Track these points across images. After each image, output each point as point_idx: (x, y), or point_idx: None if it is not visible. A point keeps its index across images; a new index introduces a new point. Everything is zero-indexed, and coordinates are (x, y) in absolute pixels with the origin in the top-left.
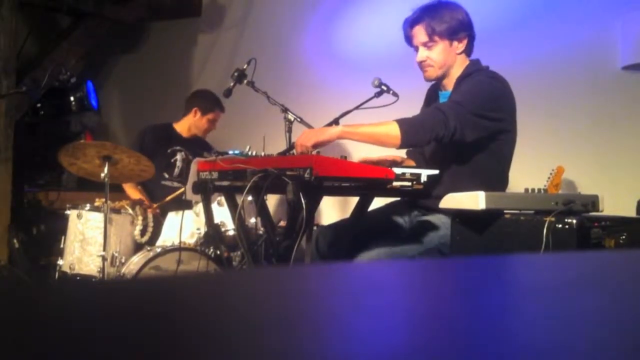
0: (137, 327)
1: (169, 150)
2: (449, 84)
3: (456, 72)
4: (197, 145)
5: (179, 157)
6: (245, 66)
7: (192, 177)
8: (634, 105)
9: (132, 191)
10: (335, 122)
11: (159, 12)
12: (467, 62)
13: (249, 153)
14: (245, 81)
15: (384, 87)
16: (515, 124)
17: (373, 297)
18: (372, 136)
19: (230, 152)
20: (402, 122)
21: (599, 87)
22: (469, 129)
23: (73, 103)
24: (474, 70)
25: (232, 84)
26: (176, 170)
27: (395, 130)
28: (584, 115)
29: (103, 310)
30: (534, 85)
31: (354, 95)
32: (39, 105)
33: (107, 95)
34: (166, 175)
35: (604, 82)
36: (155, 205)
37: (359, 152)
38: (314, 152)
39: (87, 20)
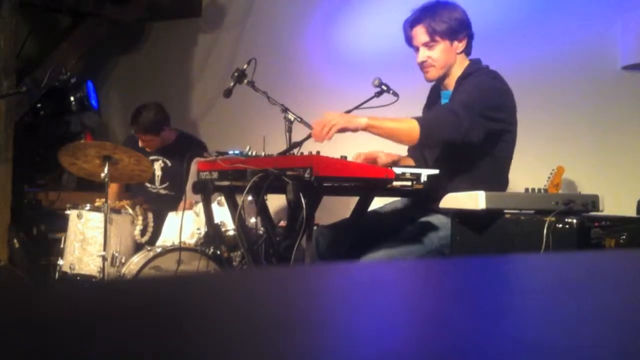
0: (137, 327)
1: None
2: (450, 83)
3: (457, 71)
4: (177, 149)
5: (156, 166)
6: (245, 66)
7: (192, 177)
8: (634, 105)
9: (115, 196)
10: None
11: (159, 12)
12: (467, 62)
13: (249, 153)
14: (245, 81)
15: (384, 87)
16: (516, 123)
17: (373, 297)
18: (394, 132)
19: (230, 152)
20: (422, 122)
21: (599, 87)
22: (476, 130)
23: (73, 103)
24: (475, 70)
25: (232, 84)
26: (157, 180)
27: (415, 130)
28: (584, 115)
29: (103, 310)
30: (534, 85)
31: (354, 95)
32: (39, 105)
33: (107, 95)
34: (148, 185)
35: (604, 82)
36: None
37: (357, 147)
38: (326, 140)
39: (87, 20)
